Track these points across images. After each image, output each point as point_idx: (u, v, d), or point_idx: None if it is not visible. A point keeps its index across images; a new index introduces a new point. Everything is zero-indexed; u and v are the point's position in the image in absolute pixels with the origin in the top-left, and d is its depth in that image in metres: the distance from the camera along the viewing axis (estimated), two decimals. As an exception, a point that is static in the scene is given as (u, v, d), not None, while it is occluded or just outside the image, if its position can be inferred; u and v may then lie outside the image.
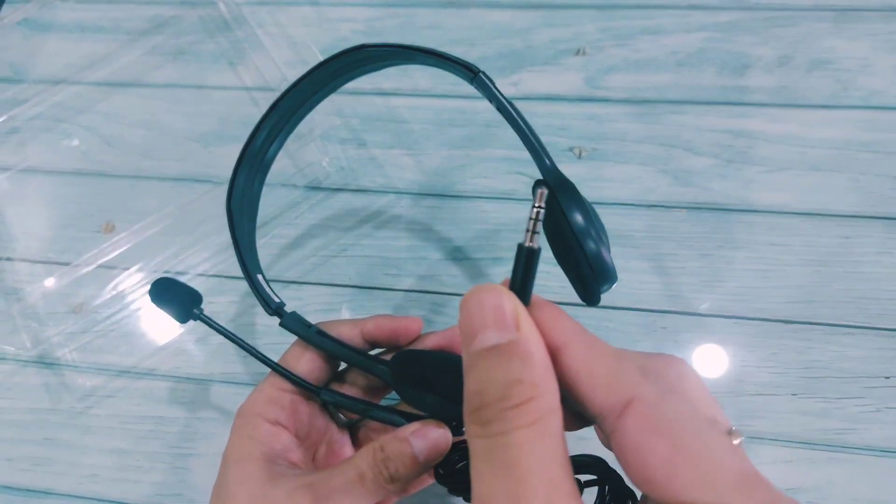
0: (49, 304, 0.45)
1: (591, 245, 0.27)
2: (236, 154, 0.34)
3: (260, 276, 0.33)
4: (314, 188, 0.47)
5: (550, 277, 0.42)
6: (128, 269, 0.45)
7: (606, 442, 0.22)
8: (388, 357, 0.33)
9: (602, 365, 0.22)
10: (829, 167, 0.44)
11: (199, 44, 0.53)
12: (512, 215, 0.45)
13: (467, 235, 0.45)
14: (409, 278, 0.44)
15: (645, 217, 0.44)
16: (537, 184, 0.29)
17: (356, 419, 0.35)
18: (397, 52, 0.31)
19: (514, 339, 0.21)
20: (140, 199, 0.48)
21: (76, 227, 0.48)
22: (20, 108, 0.52)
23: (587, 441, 0.26)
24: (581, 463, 0.27)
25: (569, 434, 0.26)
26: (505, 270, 0.39)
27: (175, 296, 0.33)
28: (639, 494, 0.23)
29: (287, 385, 0.32)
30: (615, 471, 0.26)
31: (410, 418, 0.30)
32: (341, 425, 0.35)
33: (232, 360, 0.43)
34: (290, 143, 0.45)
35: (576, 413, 0.24)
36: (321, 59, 0.33)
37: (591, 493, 0.27)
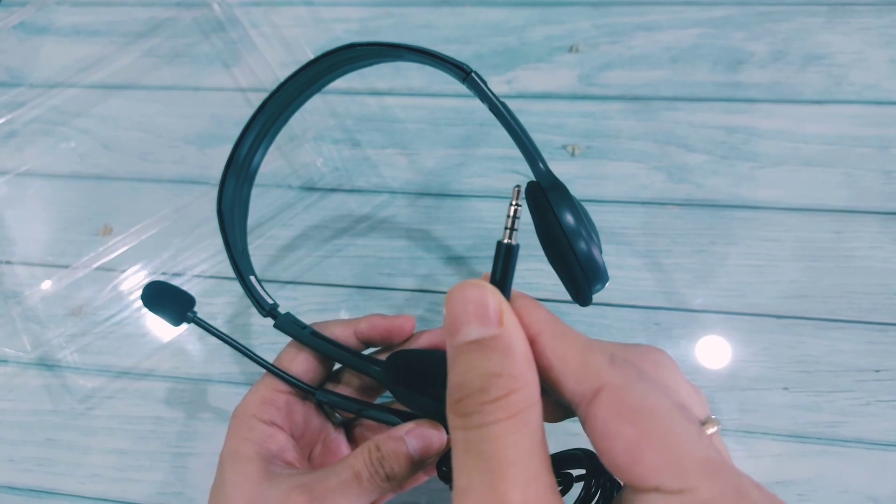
0: (49, 307, 0.46)
1: (582, 246, 0.27)
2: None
3: (253, 278, 0.34)
4: (309, 189, 0.47)
5: (544, 276, 0.43)
6: (126, 271, 0.45)
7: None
8: (382, 356, 0.33)
9: (573, 353, 0.22)
10: (822, 162, 0.44)
11: (194, 46, 0.53)
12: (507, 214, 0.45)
13: (463, 234, 0.45)
14: (405, 278, 0.44)
15: (639, 214, 0.44)
16: (529, 185, 0.29)
17: (351, 418, 0.35)
18: (389, 51, 0.31)
19: (496, 334, 0.21)
20: (137, 201, 0.48)
21: (74, 230, 0.48)
22: (17, 111, 0.52)
23: (582, 437, 0.26)
24: (571, 457, 0.27)
25: (561, 429, 0.26)
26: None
27: (168, 299, 0.33)
28: None
29: (282, 385, 0.32)
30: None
31: (406, 417, 0.31)
32: (337, 424, 0.35)
33: (230, 361, 0.44)
34: (285, 144, 0.45)
35: (560, 405, 0.24)
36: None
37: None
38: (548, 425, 0.27)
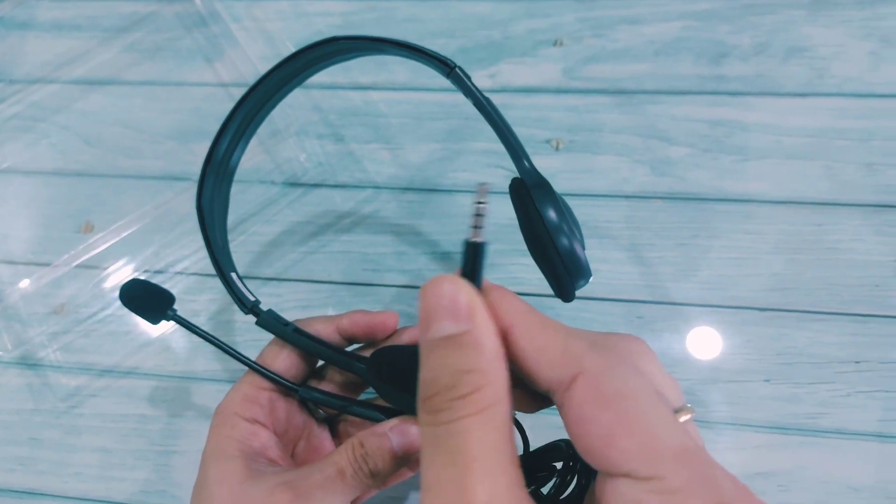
0: (30, 305, 0.45)
1: (565, 242, 0.28)
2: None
3: (234, 275, 0.33)
4: (292, 184, 0.47)
5: (527, 271, 0.43)
6: (108, 268, 0.45)
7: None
8: (366, 353, 0.33)
9: (550, 341, 0.22)
10: (803, 155, 0.44)
11: (175, 40, 0.53)
12: (492, 208, 0.45)
13: (448, 229, 0.45)
14: (390, 273, 0.44)
15: (622, 207, 0.44)
16: (512, 182, 0.29)
17: (335, 415, 0.35)
18: (372, 45, 0.31)
19: (467, 330, 0.21)
20: (119, 197, 0.48)
21: (56, 228, 0.48)
22: (-4, 107, 0.52)
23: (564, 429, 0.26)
24: (554, 448, 0.27)
25: (547, 422, 0.26)
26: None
27: (146, 298, 0.33)
28: None
29: (265, 383, 0.32)
30: None
31: (389, 413, 0.31)
32: (320, 421, 0.35)
33: (213, 358, 0.43)
34: (267, 139, 0.45)
35: (536, 394, 0.24)
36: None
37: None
38: (532, 418, 0.27)
